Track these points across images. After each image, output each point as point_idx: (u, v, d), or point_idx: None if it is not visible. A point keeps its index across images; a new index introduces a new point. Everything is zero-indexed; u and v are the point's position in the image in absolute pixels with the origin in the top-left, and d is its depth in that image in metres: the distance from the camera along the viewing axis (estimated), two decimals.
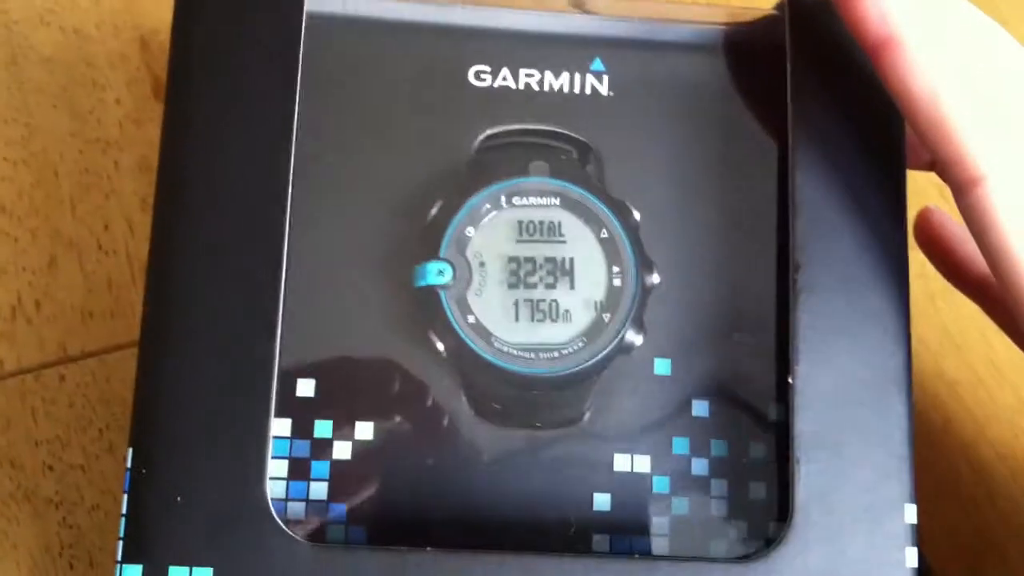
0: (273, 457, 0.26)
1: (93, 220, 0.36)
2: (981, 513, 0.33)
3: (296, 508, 0.26)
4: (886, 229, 0.27)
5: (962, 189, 0.25)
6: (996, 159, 0.25)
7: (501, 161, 0.28)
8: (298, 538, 0.25)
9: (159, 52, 0.37)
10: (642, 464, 0.27)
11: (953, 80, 0.25)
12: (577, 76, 0.29)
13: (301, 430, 0.26)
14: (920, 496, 0.26)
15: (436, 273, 0.27)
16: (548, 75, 0.29)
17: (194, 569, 0.24)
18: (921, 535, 0.26)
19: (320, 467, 0.26)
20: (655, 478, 0.27)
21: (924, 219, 0.32)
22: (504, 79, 0.29)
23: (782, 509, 0.27)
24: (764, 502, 0.27)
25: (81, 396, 0.34)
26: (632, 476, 0.27)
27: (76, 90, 0.37)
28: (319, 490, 0.26)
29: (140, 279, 0.35)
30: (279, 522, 0.25)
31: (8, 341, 0.34)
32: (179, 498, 0.25)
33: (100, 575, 0.32)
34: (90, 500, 0.33)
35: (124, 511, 0.25)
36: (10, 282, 0.35)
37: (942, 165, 0.26)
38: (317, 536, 0.26)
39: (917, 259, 0.32)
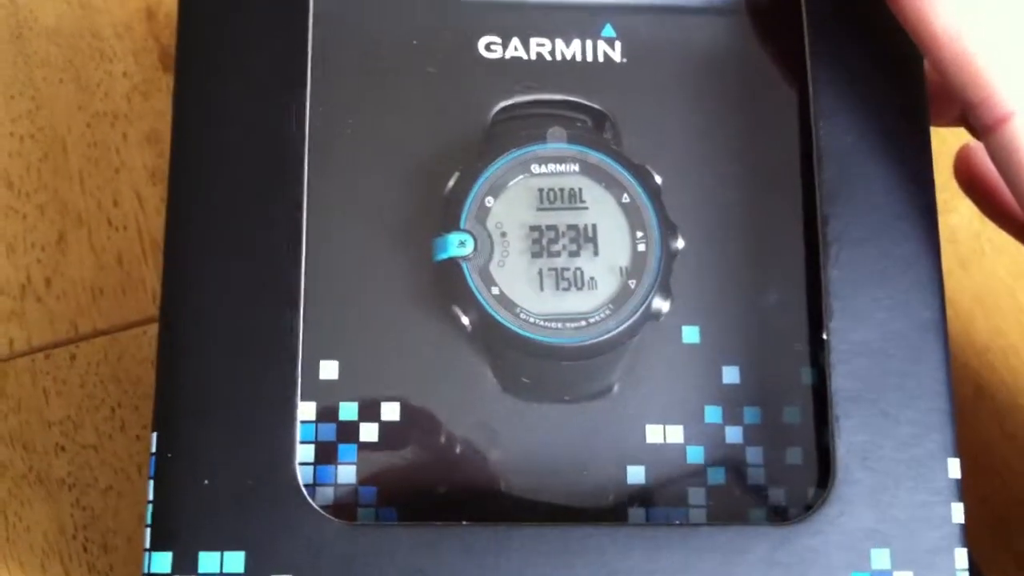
0: (299, 442, 0.25)
1: (102, 195, 0.35)
2: (1017, 481, 0.32)
3: (325, 492, 0.26)
4: (913, 176, 0.26)
5: (991, 129, 0.25)
6: None
7: (517, 131, 0.28)
8: (331, 517, 0.24)
9: (165, 22, 0.37)
10: (675, 434, 0.26)
11: (975, 15, 0.24)
12: (589, 43, 0.28)
13: (326, 413, 0.26)
14: None
15: (457, 244, 0.27)
16: (559, 43, 0.28)
17: (225, 553, 0.24)
18: None
19: (347, 450, 0.26)
20: (689, 448, 0.26)
21: (964, 157, 0.31)
22: (515, 49, 0.28)
23: (821, 474, 0.26)
24: (802, 468, 0.26)
25: (93, 375, 0.33)
26: (665, 447, 0.26)
27: (83, 62, 0.36)
28: (347, 473, 0.26)
29: (151, 254, 0.35)
30: (311, 501, 0.24)
31: (18, 320, 0.34)
32: (206, 481, 0.24)
33: (114, 557, 0.32)
34: (104, 481, 0.32)
35: (150, 498, 0.24)
36: (19, 259, 0.34)
37: (968, 107, 0.25)
38: (348, 519, 0.25)
39: (947, 224, 0.31)
